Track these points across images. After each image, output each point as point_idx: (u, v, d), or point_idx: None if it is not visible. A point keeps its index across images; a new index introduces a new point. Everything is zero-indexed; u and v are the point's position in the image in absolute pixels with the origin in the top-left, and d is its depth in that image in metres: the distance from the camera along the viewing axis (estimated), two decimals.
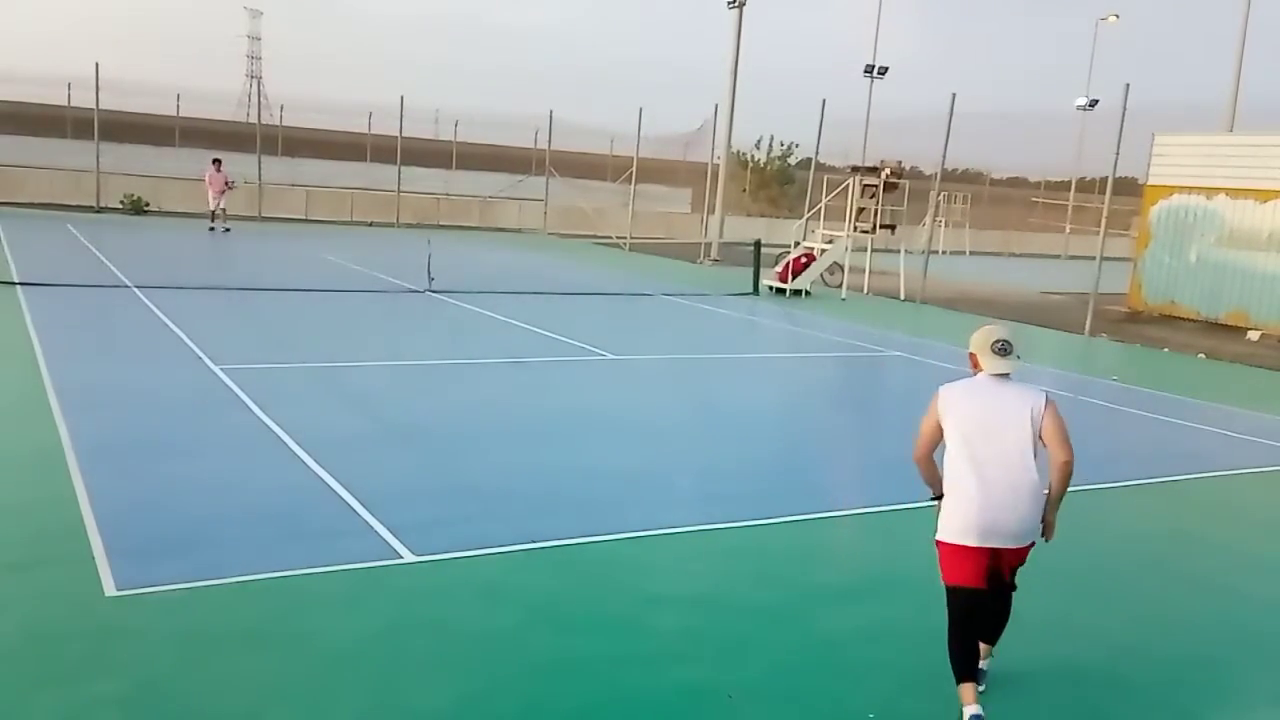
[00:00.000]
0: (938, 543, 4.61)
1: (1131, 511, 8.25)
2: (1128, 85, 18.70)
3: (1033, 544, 4.63)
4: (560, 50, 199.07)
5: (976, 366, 4.70)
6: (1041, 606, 6.10)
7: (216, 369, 10.49)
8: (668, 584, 5.95)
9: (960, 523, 4.49)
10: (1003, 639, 4.83)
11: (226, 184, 27.30)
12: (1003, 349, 4.63)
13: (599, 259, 28.60)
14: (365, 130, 39.60)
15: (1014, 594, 4.77)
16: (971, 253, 41.16)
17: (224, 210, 27.34)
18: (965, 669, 4.51)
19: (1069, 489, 4.57)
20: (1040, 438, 4.50)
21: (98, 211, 30.37)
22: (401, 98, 33.73)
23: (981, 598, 4.57)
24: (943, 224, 37.62)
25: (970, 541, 4.47)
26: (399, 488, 7.23)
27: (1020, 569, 4.71)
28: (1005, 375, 4.62)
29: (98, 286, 15.88)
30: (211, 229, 27.05)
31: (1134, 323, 21.45)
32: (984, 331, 4.73)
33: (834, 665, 5.09)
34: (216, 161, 27.63)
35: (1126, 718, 4.85)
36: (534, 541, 6.31)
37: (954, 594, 4.58)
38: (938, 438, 4.66)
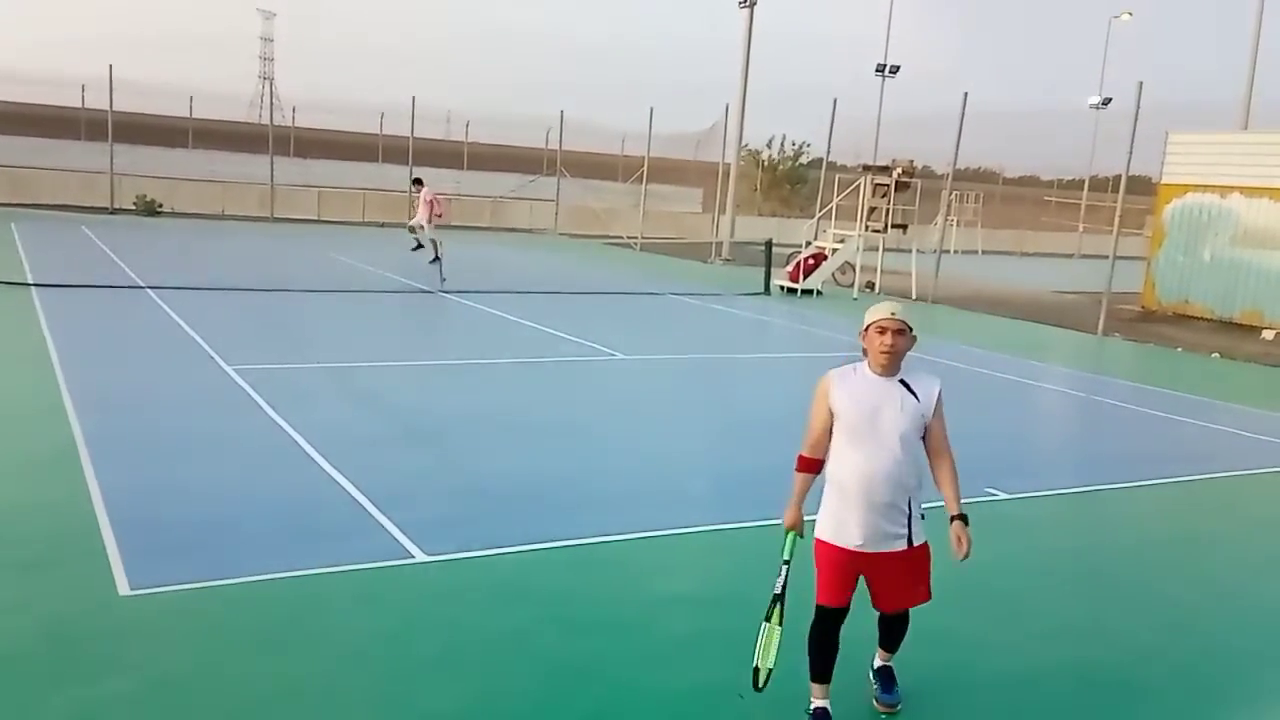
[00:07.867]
0: None
1: (1145, 512, 8.19)
2: (1141, 83, 18.63)
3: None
4: (571, 50, 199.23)
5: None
6: (1055, 608, 6.07)
7: (229, 369, 10.53)
8: (679, 584, 5.94)
9: None
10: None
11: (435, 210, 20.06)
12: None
13: (610, 259, 28.61)
14: (377, 131, 39.77)
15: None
16: (984, 252, 41.03)
17: (423, 228, 20.10)
18: None
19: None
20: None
21: (111, 213, 30.54)
22: (413, 98, 33.86)
23: None
24: (955, 223, 37.51)
25: None
26: (411, 488, 7.24)
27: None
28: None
29: (111, 287, 15.96)
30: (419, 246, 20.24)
31: (1147, 322, 21.35)
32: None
33: (843, 664, 5.07)
34: (418, 182, 21.52)
35: None
36: (545, 541, 6.31)
37: None
38: None
